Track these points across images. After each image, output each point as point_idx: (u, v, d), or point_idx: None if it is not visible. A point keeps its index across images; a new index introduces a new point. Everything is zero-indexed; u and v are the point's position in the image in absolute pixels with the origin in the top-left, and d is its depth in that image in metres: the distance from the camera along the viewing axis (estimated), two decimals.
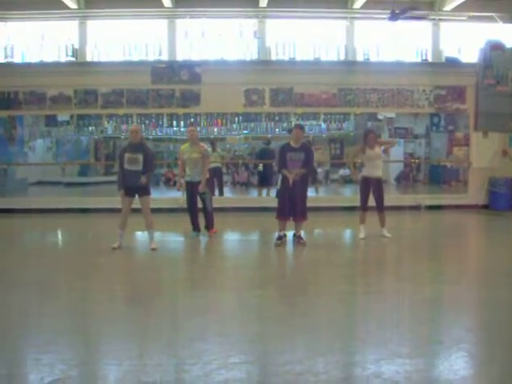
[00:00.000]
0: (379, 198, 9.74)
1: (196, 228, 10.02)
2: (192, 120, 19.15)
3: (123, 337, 5.03)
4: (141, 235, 10.11)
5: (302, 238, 9.17)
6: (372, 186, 9.74)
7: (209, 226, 10.13)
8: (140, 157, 8.66)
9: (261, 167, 16.59)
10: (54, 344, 4.68)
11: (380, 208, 9.75)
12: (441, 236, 10.98)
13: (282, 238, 9.16)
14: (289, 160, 8.99)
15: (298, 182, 8.94)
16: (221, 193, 15.53)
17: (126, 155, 8.71)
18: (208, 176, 10.04)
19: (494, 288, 6.68)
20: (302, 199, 9.06)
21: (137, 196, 8.85)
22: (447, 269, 7.76)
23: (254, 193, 17.72)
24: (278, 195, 9.32)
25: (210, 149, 14.55)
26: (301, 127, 9.40)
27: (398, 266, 7.94)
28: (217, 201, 11.07)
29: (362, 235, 9.69)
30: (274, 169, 16.53)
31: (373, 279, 7.22)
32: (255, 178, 19.47)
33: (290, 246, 9.16)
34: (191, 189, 9.85)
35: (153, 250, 8.75)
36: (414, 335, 4.97)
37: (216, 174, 14.38)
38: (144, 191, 8.82)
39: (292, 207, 8.99)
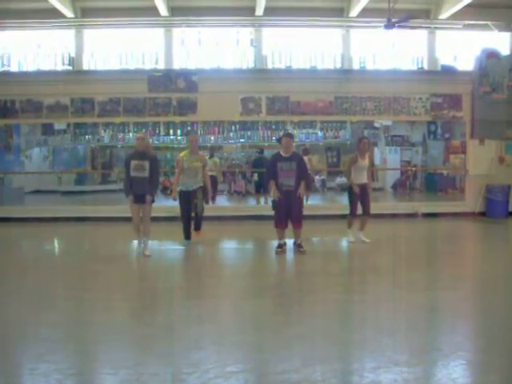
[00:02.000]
0: (367, 203, 9.99)
1: (188, 236, 9.91)
2: (189, 128, 19.25)
3: (120, 346, 5.00)
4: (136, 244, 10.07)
5: (301, 246, 9.14)
6: (361, 192, 9.89)
7: (197, 227, 9.97)
8: (146, 164, 8.76)
9: (256, 176, 16.70)
10: (50, 353, 4.65)
11: (367, 212, 9.99)
12: (438, 243, 11.00)
13: (282, 245, 9.14)
14: (279, 170, 8.94)
15: (293, 191, 8.92)
16: (212, 201, 15.45)
17: (133, 162, 8.77)
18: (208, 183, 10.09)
19: (491, 295, 6.68)
20: (298, 207, 9.04)
21: None
22: (444, 276, 7.75)
23: (251, 201, 17.70)
24: (273, 207, 9.27)
25: (208, 156, 14.68)
26: (290, 135, 9.42)
27: (395, 273, 7.91)
28: (212, 209, 11.01)
29: (352, 239, 9.99)
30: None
31: (369, 287, 7.20)
32: (251, 187, 19.52)
33: (288, 254, 9.12)
34: (186, 197, 9.76)
35: (146, 256, 8.82)
36: (412, 343, 4.95)
37: (212, 182, 14.36)
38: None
39: (289, 215, 8.99)
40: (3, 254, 9.93)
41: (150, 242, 9.13)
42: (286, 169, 8.92)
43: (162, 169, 21.81)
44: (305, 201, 9.90)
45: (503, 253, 9.80)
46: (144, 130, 19.40)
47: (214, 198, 15.51)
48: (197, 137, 10.45)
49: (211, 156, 16.32)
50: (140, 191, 8.74)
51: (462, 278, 7.69)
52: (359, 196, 9.90)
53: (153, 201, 8.97)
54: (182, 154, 10.01)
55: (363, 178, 9.93)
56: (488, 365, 4.52)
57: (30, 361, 4.54)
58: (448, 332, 5.27)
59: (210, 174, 13.56)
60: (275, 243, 9.21)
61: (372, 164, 10.16)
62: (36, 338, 5.12)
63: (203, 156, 10.04)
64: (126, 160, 9.03)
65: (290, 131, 17.58)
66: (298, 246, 9.16)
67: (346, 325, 5.64)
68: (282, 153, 9.08)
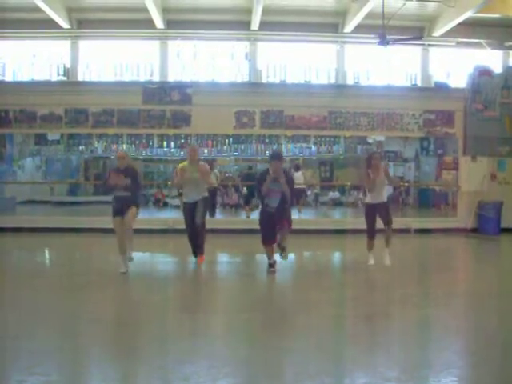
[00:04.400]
0: (387, 219, 9.36)
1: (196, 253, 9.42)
2: (183, 141, 19.26)
3: (111, 359, 4.96)
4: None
5: (284, 250, 8.76)
6: (378, 212, 9.37)
7: (197, 250, 9.38)
8: (129, 181, 8.39)
9: (245, 190, 16.98)
10: (39, 366, 4.60)
11: (387, 225, 9.36)
12: (431, 260, 10.98)
13: (273, 265, 8.76)
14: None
15: (278, 207, 8.55)
16: (211, 214, 15.45)
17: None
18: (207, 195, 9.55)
19: (483, 312, 6.67)
20: (284, 214, 8.60)
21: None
22: (437, 292, 7.73)
23: (243, 215, 17.69)
24: (260, 224, 8.84)
25: None
26: (279, 158, 8.73)
27: (388, 289, 7.91)
28: (207, 222, 10.86)
29: (371, 261, 9.38)
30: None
31: (362, 302, 7.18)
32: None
33: (280, 270, 8.94)
34: (189, 209, 9.27)
35: (122, 273, 8.41)
36: (404, 359, 4.94)
37: (211, 194, 14.36)
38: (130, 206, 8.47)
39: (275, 226, 8.55)
40: None
41: (133, 255, 8.70)
42: (273, 188, 8.53)
43: (155, 181, 21.89)
44: (298, 214, 9.52)
45: (495, 270, 9.81)
46: (138, 142, 19.46)
47: (212, 212, 15.50)
48: (195, 146, 9.86)
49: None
50: (122, 207, 8.39)
51: (455, 295, 7.68)
52: (373, 215, 9.36)
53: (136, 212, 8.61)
54: (182, 164, 9.55)
55: (382, 197, 9.38)
56: (479, 381, 4.51)
57: (19, 373, 4.48)
58: (440, 349, 5.25)
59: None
60: (266, 258, 8.99)
61: (388, 175, 9.60)
62: (26, 349, 5.06)
63: (203, 166, 9.36)
64: (108, 176, 8.63)
65: (278, 150, 17.67)
66: (281, 249, 8.77)
67: (337, 340, 5.61)
68: (271, 173, 8.57)
